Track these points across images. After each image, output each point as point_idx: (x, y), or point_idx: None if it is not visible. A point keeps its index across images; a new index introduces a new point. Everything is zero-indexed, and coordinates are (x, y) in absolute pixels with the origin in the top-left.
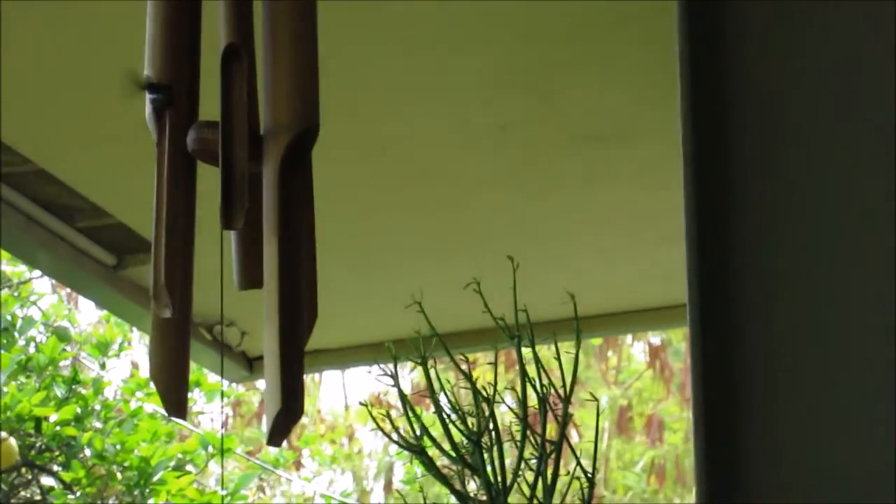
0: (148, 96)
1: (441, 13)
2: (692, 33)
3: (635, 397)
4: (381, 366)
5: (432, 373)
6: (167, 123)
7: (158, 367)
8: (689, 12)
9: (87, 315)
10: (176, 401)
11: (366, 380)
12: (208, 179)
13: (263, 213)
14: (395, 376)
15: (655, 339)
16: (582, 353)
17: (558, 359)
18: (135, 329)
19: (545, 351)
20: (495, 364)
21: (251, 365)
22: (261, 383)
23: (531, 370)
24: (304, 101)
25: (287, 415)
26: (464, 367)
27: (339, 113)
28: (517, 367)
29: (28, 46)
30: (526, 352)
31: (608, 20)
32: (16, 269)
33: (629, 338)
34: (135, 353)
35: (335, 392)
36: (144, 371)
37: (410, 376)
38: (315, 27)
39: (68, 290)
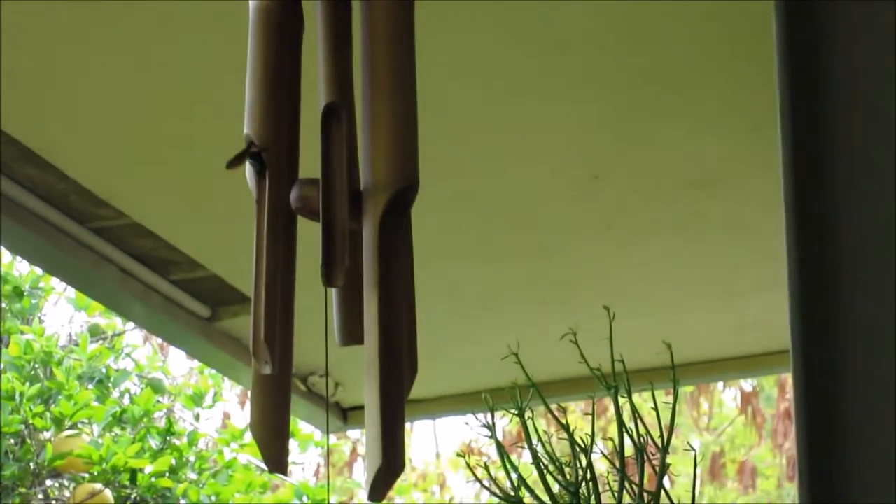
0: (248, 157)
1: (534, 62)
2: (792, 78)
3: (727, 444)
4: (477, 416)
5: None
6: (267, 182)
7: (259, 423)
8: (789, 58)
9: (178, 365)
10: (277, 456)
11: (456, 428)
12: (308, 235)
13: (364, 270)
14: (491, 427)
15: (747, 385)
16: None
17: (655, 409)
18: (227, 380)
19: (639, 398)
20: (592, 414)
21: (345, 415)
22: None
23: (626, 416)
24: (403, 159)
25: (388, 470)
26: (561, 418)
27: (432, 162)
28: (609, 414)
29: (124, 107)
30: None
31: (702, 67)
32: (110, 321)
33: (720, 384)
34: (228, 404)
35: (426, 440)
36: (237, 421)
37: (501, 423)
38: (414, 85)
39: (160, 340)
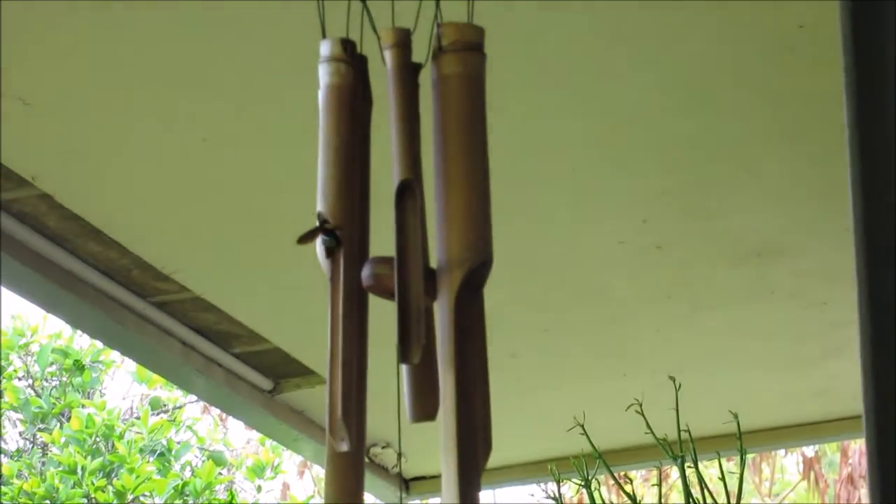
0: (320, 237)
1: (599, 135)
2: (863, 150)
3: None
4: (542, 486)
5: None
6: (340, 260)
7: (335, 499)
8: (860, 130)
9: (238, 435)
10: None
11: (516, 496)
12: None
13: (438, 347)
14: (558, 499)
15: (809, 450)
16: (737, 466)
17: (723, 479)
18: (287, 451)
19: (702, 465)
20: (659, 485)
21: (407, 486)
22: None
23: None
24: (477, 236)
25: None
26: (625, 486)
27: (501, 234)
28: (670, 481)
29: (185, 183)
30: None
31: (766, 138)
32: (171, 394)
33: (782, 450)
34: (288, 475)
35: None
36: (297, 492)
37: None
38: (486, 163)
39: (219, 412)
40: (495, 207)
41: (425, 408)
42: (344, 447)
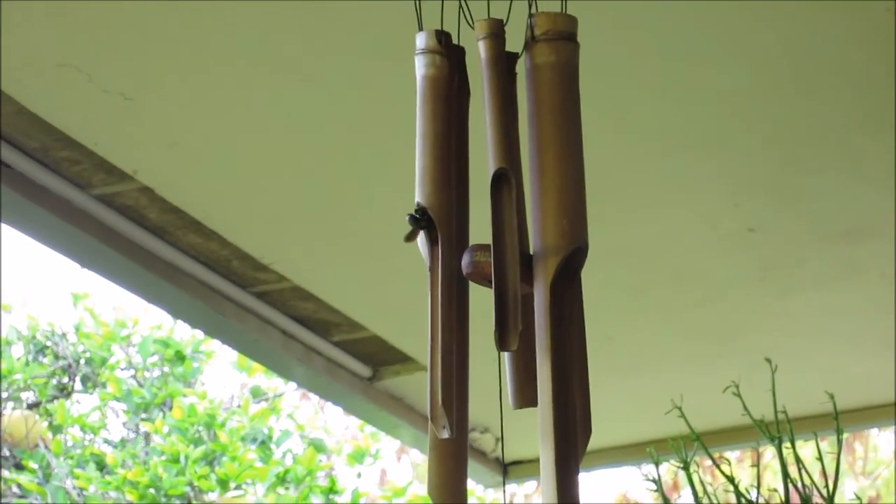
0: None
1: (691, 117)
2: None
3: (883, 488)
4: (640, 468)
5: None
6: (440, 249)
7: (437, 487)
8: None
9: (337, 422)
10: None
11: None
12: (480, 299)
13: (536, 334)
14: (657, 481)
15: None
16: (831, 446)
17: (820, 460)
18: (385, 437)
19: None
20: (758, 466)
21: (505, 469)
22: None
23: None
24: (572, 222)
25: None
26: (724, 468)
27: (595, 219)
28: (764, 461)
29: (283, 173)
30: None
31: (857, 118)
32: (271, 383)
33: (875, 429)
34: (386, 461)
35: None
36: (396, 478)
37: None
38: (580, 151)
39: (318, 399)
40: (589, 193)
41: (526, 395)
42: (445, 434)
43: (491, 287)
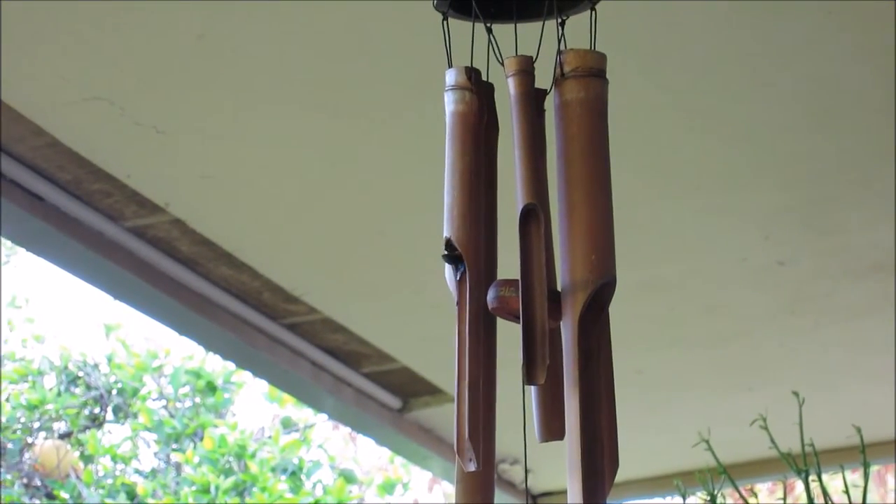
0: (448, 260)
1: (722, 152)
2: None
3: None
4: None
5: None
6: (468, 284)
7: None
8: None
9: (368, 453)
10: None
11: None
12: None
13: (564, 368)
14: None
15: None
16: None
17: (847, 493)
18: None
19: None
20: (784, 498)
21: (535, 501)
22: None
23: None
24: (601, 256)
25: None
26: (750, 499)
27: (620, 251)
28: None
29: (314, 206)
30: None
31: (882, 155)
32: (302, 414)
33: None
34: (416, 491)
35: None
36: None
37: None
38: (609, 185)
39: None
40: (619, 225)
41: (552, 428)
42: (472, 467)
43: (516, 322)
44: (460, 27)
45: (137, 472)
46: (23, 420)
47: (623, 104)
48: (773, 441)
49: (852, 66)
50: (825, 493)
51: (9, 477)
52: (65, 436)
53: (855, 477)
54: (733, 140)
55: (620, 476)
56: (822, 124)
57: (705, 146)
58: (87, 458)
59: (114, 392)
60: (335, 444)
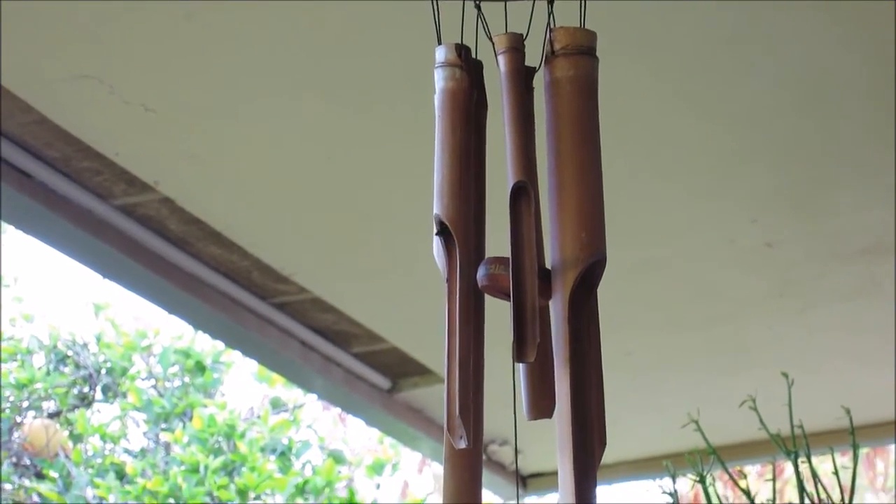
0: (437, 237)
1: (713, 134)
2: None
3: None
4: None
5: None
6: (457, 261)
7: (452, 497)
8: None
9: (357, 434)
10: None
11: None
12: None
13: (553, 347)
14: (674, 494)
15: None
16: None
17: (836, 474)
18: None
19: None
20: (774, 480)
21: (525, 482)
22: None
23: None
24: (591, 234)
25: None
26: (739, 481)
27: (610, 232)
28: (785, 476)
29: (304, 185)
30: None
31: (876, 136)
32: (291, 394)
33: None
34: (406, 472)
35: None
36: (416, 490)
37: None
38: (599, 163)
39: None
40: (609, 207)
41: (541, 406)
42: (462, 445)
43: (506, 300)
44: (450, 6)
45: (126, 451)
46: (12, 399)
47: (613, 86)
48: (762, 422)
49: (841, 50)
50: (814, 475)
51: None
52: (54, 415)
53: (844, 459)
54: (722, 122)
55: (610, 458)
56: (810, 107)
57: (694, 128)
58: (77, 438)
59: (103, 371)
60: (324, 425)
